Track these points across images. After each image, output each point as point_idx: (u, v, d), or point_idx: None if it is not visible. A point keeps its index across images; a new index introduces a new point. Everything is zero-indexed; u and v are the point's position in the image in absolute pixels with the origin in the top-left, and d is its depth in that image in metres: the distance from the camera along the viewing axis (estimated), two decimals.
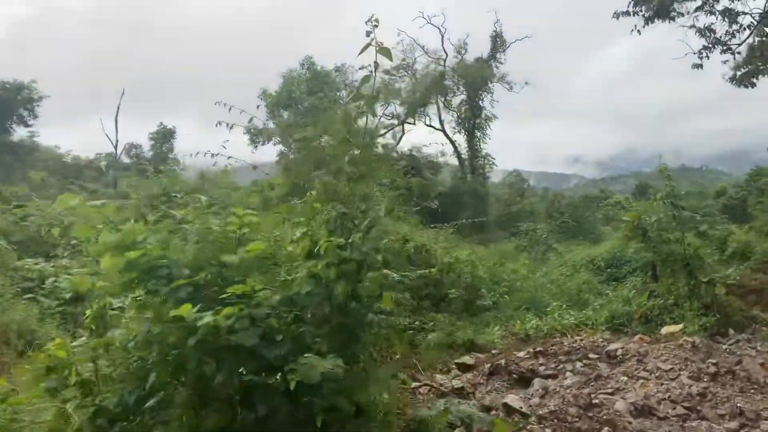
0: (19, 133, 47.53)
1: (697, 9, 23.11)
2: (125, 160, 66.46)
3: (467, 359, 8.65)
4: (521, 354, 8.86)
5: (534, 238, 25.09)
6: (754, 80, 26.32)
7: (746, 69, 26.39)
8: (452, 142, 53.44)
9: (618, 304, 11.85)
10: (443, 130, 54.14)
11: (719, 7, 22.80)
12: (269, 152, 49.14)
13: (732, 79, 26.67)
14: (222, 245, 4.20)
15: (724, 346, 9.23)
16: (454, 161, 54.74)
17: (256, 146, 49.24)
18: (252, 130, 48.98)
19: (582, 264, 18.22)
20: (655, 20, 20.58)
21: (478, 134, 52.35)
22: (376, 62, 4.94)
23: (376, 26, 4.79)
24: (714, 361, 7.93)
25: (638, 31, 20.79)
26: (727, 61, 23.41)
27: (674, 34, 23.18)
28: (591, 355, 8.46)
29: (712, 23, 21.80)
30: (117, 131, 51.66)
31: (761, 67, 26.44)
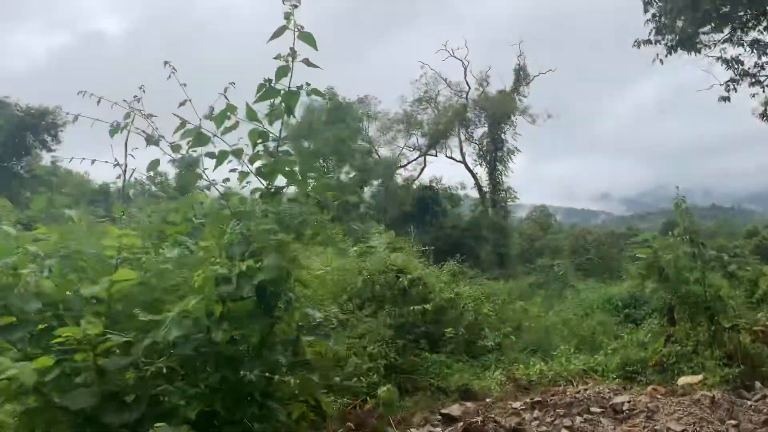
0: (44, 158, 47.95)
1: (725, 41, 22.30)
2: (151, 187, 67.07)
3: (454, 409, 7.73)
4: (517, 405, 7.92)
5: (551, 274, 24.04)
6: None
7: None
8: (473, 175, 52.82)
9: (632, 349, 10.82)
10: (464, 163, 53.63)
11: (748, 38, 21.95)
12: None
13: (762, 115, 25.73)
14: (96, 273, 3.46)
15: (749, 402, 8.17)
16: (476, 194, 53.99)
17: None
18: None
19: (598, 304, 17.12)
20: (678, 50, 19.74)
21: (500, 167, 51.59)
22: (292, 49, 4.20)
23: (296, 6, 4.08)
24: (735, 422, 6.92)
25: (660, 60, 20.00)
26: (756, 94, 22.39)
27: (703, 68, 22.34)
28: (594, 409, 7.48)
29: (739, 54, 20.88)
30: (126, 154, 51.26)
31: None
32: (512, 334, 12.62)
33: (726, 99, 22.19)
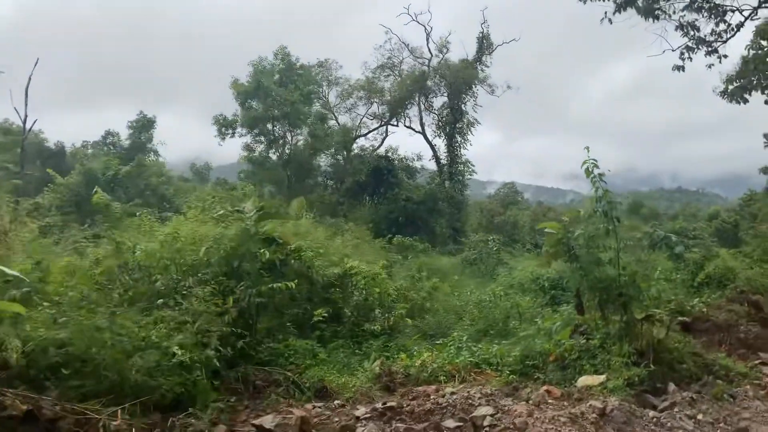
0: None
1: (685, 8, 20.69)
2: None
3: (267, 421, 6.01)
4: (361, 411, 6.28)
5: (485, 250, 22.50)
6: (747, 96, 24.01)
7: (739, 83, 24.12)
8: (432, 146, 51.03)
9: (539, 339, 9.29)
10: (423, 133, 51.72)
11: (708, 4, 20.37)
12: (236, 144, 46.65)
13: (723, 93, 24.40)
14: None
15: (652, 414, 6.67)
16: (434, 166, 52.29)
17: (224, 137, 46.64)
18: (221, 121, 46.63)
19: (526, 283, 15.63)
20: (628, 8, 18.05)
21: (459, 139, 49.84)
22: None
23: None
24: None
25: (609, 20, 18.26)
26: (712, 65, 20.89)
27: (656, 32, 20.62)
28: (448, 423, 5.87)
29: (696, 20, 19.30)
30: (26, 105, 46.43)
31: (755, 82, 24.17)
32: (415, 316, 11.01)
33: (680, 68, 20.68)
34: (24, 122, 34.19)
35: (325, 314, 9.20)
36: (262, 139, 44.70)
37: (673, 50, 19.43)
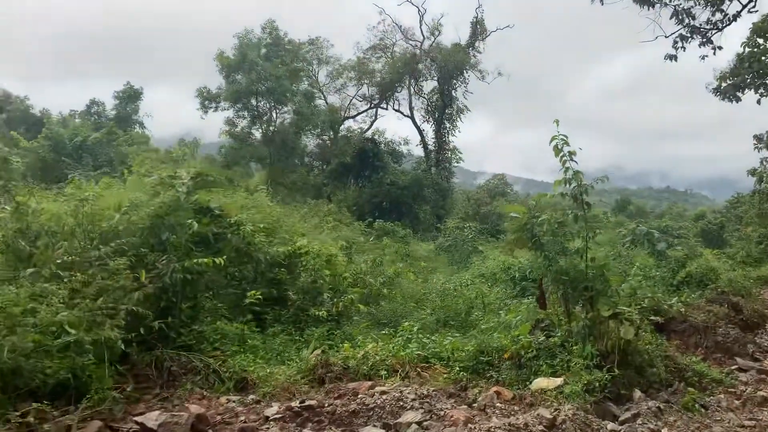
0: None
1: None
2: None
3: (150, 419, 5.10)
4: (273, 411, 5.41)
5: (460, 238, 21.60)
6: (740, 94, 23.26)
7: (732, 81, 23.35)
8: (420, 131, 50.02)
9: (497, 334, 8.44)
10: (412, 118, 50.67)
11: None
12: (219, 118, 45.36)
13: (716, 90, 23.63)
14: None
15: (611, 426, 5.84)
16: (421, 152, 51.30)
17: (206, 111, 45.34)
18: (204, 94, 45.34)
19: (497, 272, 14.79)
20: None
21: (448, 125, 48.85)
22: None
23: None
24: None
25: (601, 1, 17.34)
26: (706, 56, 20.04)
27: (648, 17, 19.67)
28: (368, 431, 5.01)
29: (691, 7, 18.40)
30: None
31: (748, 80, 23.41)
32: (370, 303, 10.13)
33: (672, 57, 19.82)
34: None
35: (260, 297, 8.28)
36: (246, 114, 43.43)
37: (666, 36, 18.54)
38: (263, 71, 41.05)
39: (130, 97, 64.32)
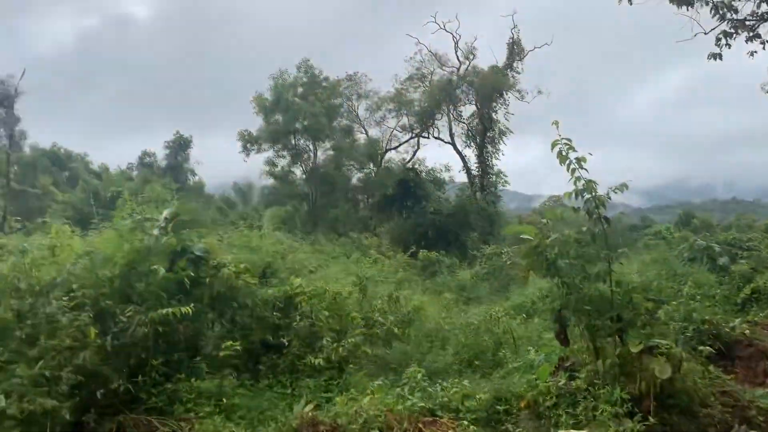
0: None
1: None
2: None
3: None
4: None
5: (498, 264, 20.31)
6: None
7: None
8: (462, 157, 48.95)
9: (519, 377, 7.32)
10: (453, 143, 49.71)
11: None
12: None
13: None
14: None
15: None
16: (464, 178, 50.16)
17: (248, 154, 45.70)
18: (245, 137, 45.79)
19: (537, 302, 13.49)
20: None
21: (490, 149, 47.63)
22: None
23: None
24: None
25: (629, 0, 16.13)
26: (755, 52, 18.40)
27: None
28: None
29: (732, 0, 16.94)
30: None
31: None
32: (383, 345, 9.14)
33: (717, 56, 18.23)
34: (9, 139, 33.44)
35: (237, 347, 7.38)
36: (285, 153, 43.49)
37: (705, 33, 17.07)
38: (299, 110, 41.14)
39: (180, 146, 66.00)
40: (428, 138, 50.45)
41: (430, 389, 7.00)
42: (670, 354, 6.26)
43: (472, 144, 48.51)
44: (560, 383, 6.22)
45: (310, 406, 7.03)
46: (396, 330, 9.48)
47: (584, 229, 6.29)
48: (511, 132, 47.05)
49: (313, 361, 7.87)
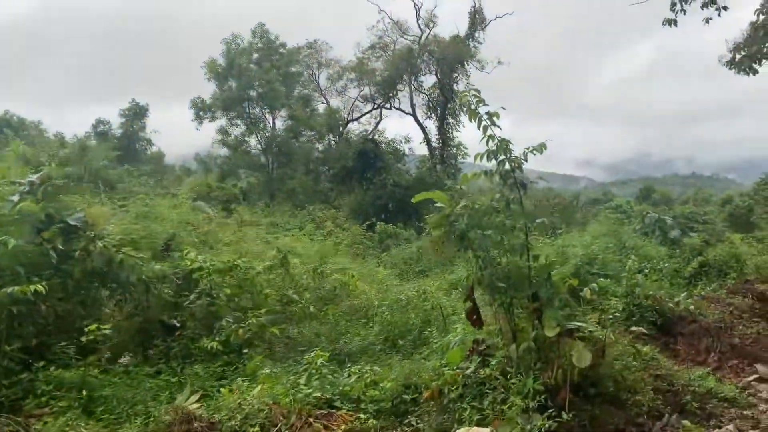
0: None
1: None
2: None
3: None
4: None
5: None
6: (756, 66, 21.03)
7: (747, 51, 21.14)
8: (422, 129, 48.03)
9: (432, 362, 6.55)
10: (414, 115, 48.68)
11: None
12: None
13: (730, 63, 21.43)
14: None
15: None
16: (425, 150, 49.31)
17: (201, 122, 44.06)
18: (198, 104, 44.12)
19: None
20: None
21: (451, 121, 46.77)
22: None
23: None
24: None
25: None
26: (710, 19, 17.84)
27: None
28: None
29: None
30: None
31: (765, 50, 21.17)
32: (297, 324, 8.28)
33: (672, 22, 17.64)
34: None
35: (106, 329, 6.43)
36: (239, 122, 41.95)
37: None
38: (253, 76, 39.59)
39: (136, 114, 63.52)
40: (390, 109, 49.40)
41: (331, 376, 6.17)
42: (592, 338, 5.53)
43: (432, 115, 47.60)
44: (468, 371, 5.45)
45: (195, 397, 6.17)
46: (312, 308, 8.63)
47: (497, 195, 5.47)
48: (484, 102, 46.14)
49: (207, 345, 6.98)
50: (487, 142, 5.27)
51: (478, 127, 5.22)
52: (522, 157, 5.31)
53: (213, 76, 40.71)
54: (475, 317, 5.82)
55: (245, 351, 7.25)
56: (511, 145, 5.24)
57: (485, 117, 5.19)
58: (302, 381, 6.06)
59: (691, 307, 11.40)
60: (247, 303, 8.16)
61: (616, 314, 10.85)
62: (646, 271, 14.67)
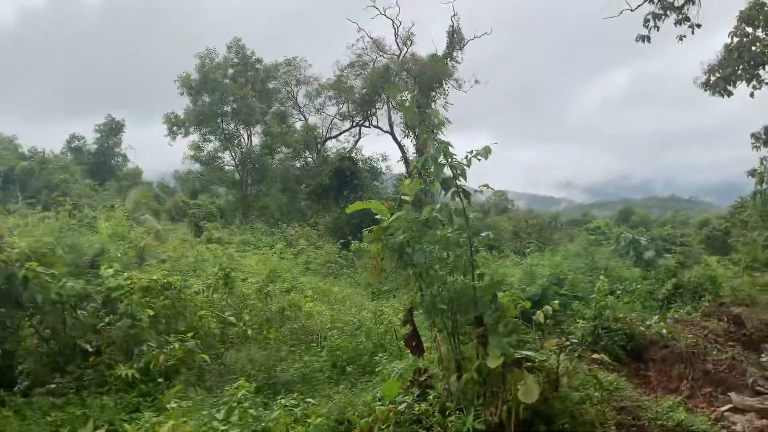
0: None
1: None
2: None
3: None
4: None
5: None
6: (730, 87, 20.98)
7: (721, 73, 21.09)
8: (400, 147, 47.50)
9: (371, 393, 5.84)
10: (392, 133, 48.16)
11: None
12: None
13: (705, 84, 21.37)
14: None
15: None
16: (403, 168, 48.72)
17: (174, 137, 43.23)
18: (171, 120, 43.35)
19: None
20: None
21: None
22: None
23: None
24: None
25: None
26: (684, 36, 17.63)
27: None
28: None
29: None
30: None
31: (739, 72, 21.13)
32: (233, 348, 7.51)
33: (645, 38, 17.37)
34: None
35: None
36: (212, 137, 41.15)
37: (632, 10, 16.11)
38: (227, 91, 38.92)
39: (112, 129, 62.35)
40: (369, 127, 48.89)
41: (254, 411, 5.42)
42: (545, 368, 4.88)
43: (410, 134, 47.13)
44: (400, 407, 4.75)
45: None
46: (250, 331, 7.87)
47: (437, 206, 4.83)
48: (450, 122, 45.66)
49: (123, 373, 6.20)
50: (423, 144, 4.65)
51: (411, 128, 4.60)
52: (465, 162, 4.68)
53: (186, 91, 39.92)
54: (414, 344, 5.13)
55: (163, 380, 6.46)
56: (451, 148, 4.61)
57: (416, 112, 4.56)
58: (220, 416, 5.30)
59: (664, 331, 10.84)
60: (179, 325, 7.39)
61: (584, 338, 10.22)
62: (618, 292, 14.14)
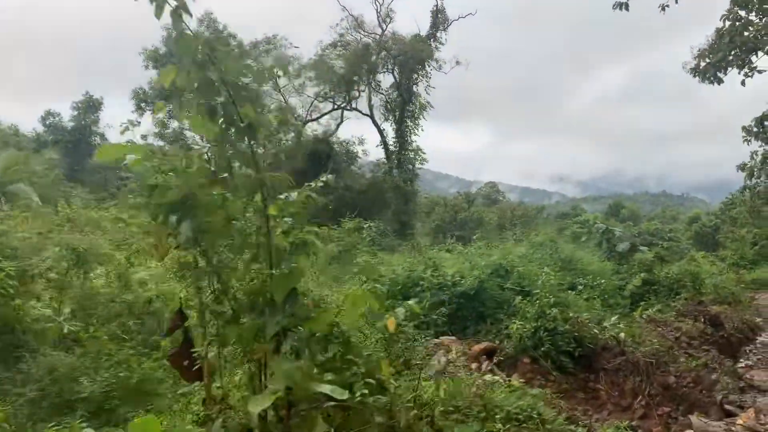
0: None
1: None
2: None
3: None
4: None
5: (364, 238, 17.19)
6: (721, 74, 19.32)
7: (711, 59, 19.37)
8: (380, 130, 45.59)
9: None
10: (371, 116, 46.21)
11: None
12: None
13: (694, 70, 19.66)
14: None
15: None
16: (382, 153, 46.79)
17: (142, 113, 41.37)
18: (139, 95, 41.47)
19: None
20: None
21: (410, 123, 44.42)
22: None
23: None
24: None
25: None
26: (666, 6, 15.90)
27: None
28: None
29: None
30: None
31: (731, 58, 19.42)
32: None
33: (623, 6, 15.61)
34: None
35: None
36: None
37: None
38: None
39: (90, 107, 60.17)
40: (350, 110, 46.90)
41: None
42: (375, 405, 3.11)
43: (390, 117, 45.25)
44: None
45: None
46: (71, 329, 6.07)
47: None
48: (432, 107, 44.03)
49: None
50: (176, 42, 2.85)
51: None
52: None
53: (152, 64, 37.96)
54: (186, 363, 3.36)
55: None
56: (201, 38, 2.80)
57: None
58: None
59: (621, 334, 9.12)
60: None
61: (521, 342, 8.55)
62: (580, 287, 12.43)
